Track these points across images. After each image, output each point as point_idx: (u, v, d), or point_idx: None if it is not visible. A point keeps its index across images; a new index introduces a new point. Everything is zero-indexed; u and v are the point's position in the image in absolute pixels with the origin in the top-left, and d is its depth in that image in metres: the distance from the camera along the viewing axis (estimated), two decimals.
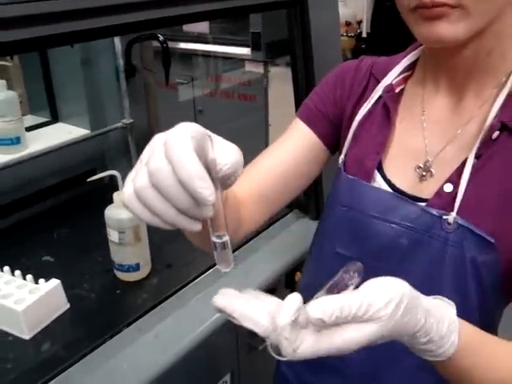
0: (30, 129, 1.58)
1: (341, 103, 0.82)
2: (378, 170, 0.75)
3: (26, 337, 1.00)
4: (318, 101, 0.84)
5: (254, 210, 0.79)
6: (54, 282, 1.05)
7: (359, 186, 0.76)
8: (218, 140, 0.47)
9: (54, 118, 1.66)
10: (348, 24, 3.65)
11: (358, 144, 0.79)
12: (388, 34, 2.67)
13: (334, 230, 0.81)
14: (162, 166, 0.42)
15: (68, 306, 1.08)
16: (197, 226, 0.46)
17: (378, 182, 0.75)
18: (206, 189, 0.41)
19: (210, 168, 0.44)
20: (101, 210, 1.13)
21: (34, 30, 0.92)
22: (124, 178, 1.16)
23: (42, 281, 1.05)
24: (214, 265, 1.21)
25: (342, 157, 0.81)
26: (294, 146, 0.82)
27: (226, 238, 0.50)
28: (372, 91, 0.79)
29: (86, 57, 1.50)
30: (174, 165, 0.42)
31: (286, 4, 1.25)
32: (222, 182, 0.47)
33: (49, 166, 1.48)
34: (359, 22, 3.72)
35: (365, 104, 0.79)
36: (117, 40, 1.44)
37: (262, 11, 1.38)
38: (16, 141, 1.41)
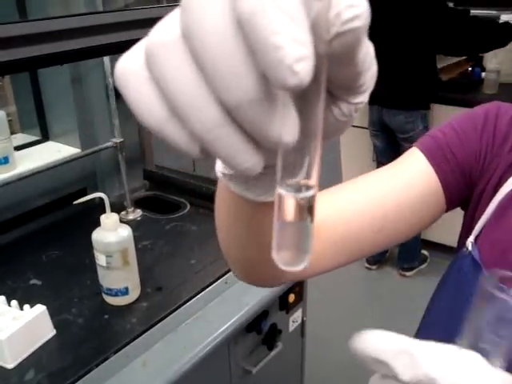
0: (19, 148, 1.56)
1: (484, 158, 0.60)
2: None
3: (10, 366, 0.97)
4: (455, 141, 0.61)
5: (327, 250, 0.56)
6: (40, 309, 1.02)
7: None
8: None
9: (45, 137, 1.64)
10: None
11: (503, 225, 0.57)
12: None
13: None
14: None
15: (54, 332, 1.05)
16: (255, 159, 0.23)
17: None
18: (293, 42, 0.19)
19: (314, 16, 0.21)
20: (91, 232, 1.11)
21: (27, 49, 0.91)
22: (112, 200, 1.14)
23: (26, 307, 1.02)
24: (206, 287, 1.21)
25: (471, 238, 0.60)
26: (405, 183, 0.58)
27: (313, 193, 0.25)
28: None
29: (76, 75, 1.48)
30: None
31: None
32: (335, 56, 0.22)
33: (38, 186, 1.46)
34: None
35: None
36: (106, 58, 1.42)
37: None
38: (4, 161, 1.39)
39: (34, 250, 1.37)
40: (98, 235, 1.07)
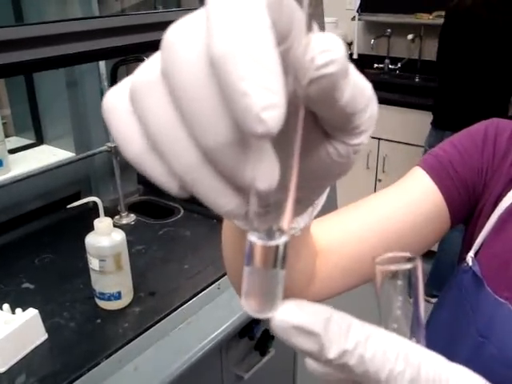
0: (14, 151, 1.55)
1: (486, 173, 0.61)
2: None
3: (1, 369, 0.96)
4: (456, 158, 0.61)
5: (335, 274, 0.56)
6: (32, 312, 1.02)
7: (502, 310, 0.54)
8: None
9: (39, 140, 1.64)
10: None
11: (502, 239, 0.58)
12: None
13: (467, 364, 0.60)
14: (184, 37, 0.20)
15: (46, 336, 1.05)
16: (235, 202, 0.22)
17: None
18: (262, 89, 0.18)
19: (289, 59, 0.21)
20: (84, 235, 1.10)
21: (18, 54, 0.91)
22: (106, 204, 1.14)
23: (18, 310, 1.02)
24: (199, 292, 1.21)
25: (471, 253, 0.61)
26: (410, 202, 0.59)
27: (285, 240, 0.24)
28: None
29: (72, 79, 1.48)
30: (209, 31, 0.19)
31: None
32: (314, 100, 0.22)
33: (32, 190, 1.45)
34: (350, 43, 3.75)
35: None
36: (101, 63, 1.42)
37: None
38: None
39: (26, 253, 1.36)
40: (91, 239, 1.07)
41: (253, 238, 0.23)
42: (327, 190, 0.36)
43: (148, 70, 0.22)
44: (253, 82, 0.18)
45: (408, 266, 0.27)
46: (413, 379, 0.24)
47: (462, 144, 0.62)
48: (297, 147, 0.23)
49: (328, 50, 0.20)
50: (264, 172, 0.21)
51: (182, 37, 0.20)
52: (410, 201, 0.59)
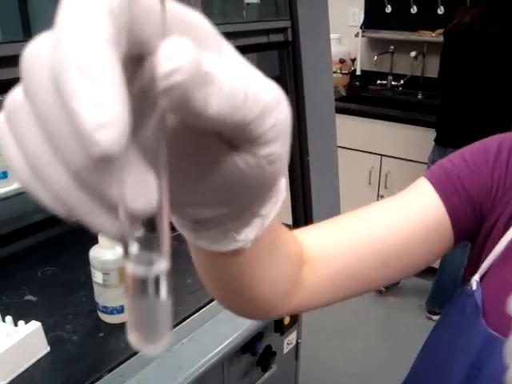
0: None
1: (496, 191, 0.57)
2: None
3: (2, 383, 0.96)
4: (465, 173, 0.58)
5: (324, 286, 0.53)
6: (34, 325, 1.01)
7: (499, 343, 0.51)
8: None
9: None
10: (342, 61, 3.70)
11: (510, 264, 0.55)
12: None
13: None
14: (35, 55, 0.19)
15: (48, 349, 1.04)
16: (109, 222, 0.21)
17: None
18: (93, 106, 0.17)
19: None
20: (88, 248, 1.10)
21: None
22: None
23: (21, 323, 1.02)
24: (202, 307, 1.20)
25: (477, 277, 0.58)
26: (411, 215, 0.56)
27: (163, 267, 0.22)
28: None
29: None
30: (52, 48, 0.18)
31: (278, 45, 1.25)
32: (175, 114, 0.21)
33: (35, 201, 1.45)
34: (353, 60, 3.78)
35: None
36: None
37: (254, 52, 1.39)
38: (2, 175, 1.39)
39: (29, 265, 1.36)
40: (95, 252, 1.07)
41: (128, 265, 0.21)
42: (278, 201, 0.33)
43: (18, 87, 0.21)
44: (83, 100, 0.17)
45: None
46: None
47: (473, 159, 0.58)
48: (162, 163, 0.20)
49: (171, 57, 0.18)
50: (137, 191, 0.20)
51: (33, 55, 0.19)
52: (411, 212, 0.56)
